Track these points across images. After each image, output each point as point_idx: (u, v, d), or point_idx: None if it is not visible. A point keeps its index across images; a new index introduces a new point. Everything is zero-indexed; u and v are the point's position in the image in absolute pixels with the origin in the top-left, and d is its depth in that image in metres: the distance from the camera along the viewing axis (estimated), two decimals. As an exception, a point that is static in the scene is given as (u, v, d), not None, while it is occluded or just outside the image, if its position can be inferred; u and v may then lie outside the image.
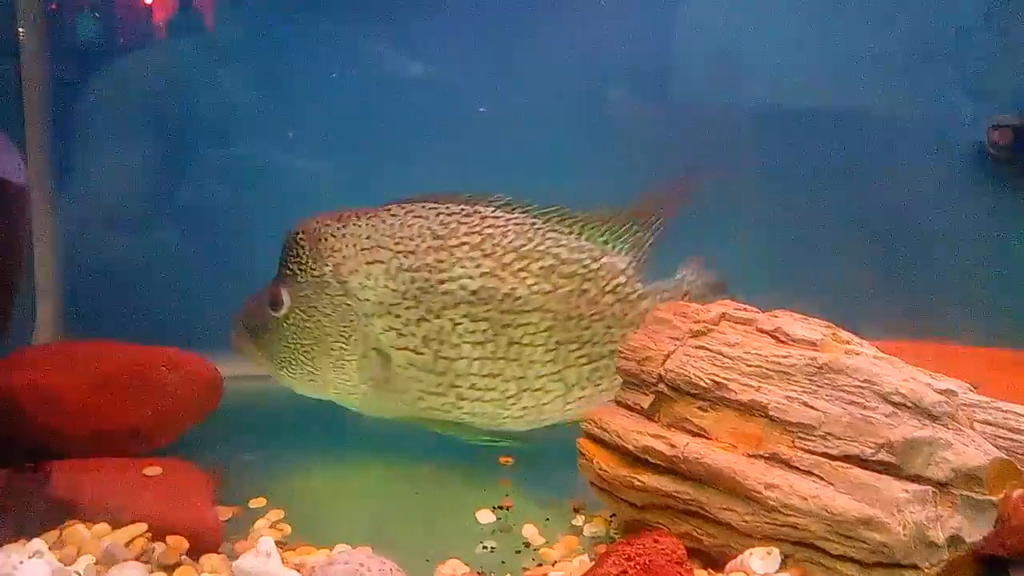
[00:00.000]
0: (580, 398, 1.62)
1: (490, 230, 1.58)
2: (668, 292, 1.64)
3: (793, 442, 1.19)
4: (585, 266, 1.58)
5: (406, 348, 1.59)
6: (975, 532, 1.10)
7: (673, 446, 1.27)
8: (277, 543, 1.27)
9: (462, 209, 1.61)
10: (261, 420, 1.84)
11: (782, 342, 1.29)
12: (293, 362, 1.65)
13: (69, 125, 2.06)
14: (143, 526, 1.26)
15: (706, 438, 1.27)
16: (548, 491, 1.58)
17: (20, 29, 2.01)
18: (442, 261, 1.57)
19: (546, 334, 1.57)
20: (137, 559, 1.21)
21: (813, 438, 1.17)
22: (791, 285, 1.81)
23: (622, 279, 1.58)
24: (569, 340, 1.57)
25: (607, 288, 1.58)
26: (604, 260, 1.58)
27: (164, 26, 2.12)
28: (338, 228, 1.63)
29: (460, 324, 1.57)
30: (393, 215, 1.62)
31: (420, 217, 1.61)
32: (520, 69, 2.08)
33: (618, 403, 1.42)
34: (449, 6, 2.06)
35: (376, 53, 2.09)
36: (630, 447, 1.32)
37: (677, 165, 2.07)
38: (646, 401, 1.36)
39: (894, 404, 1.14)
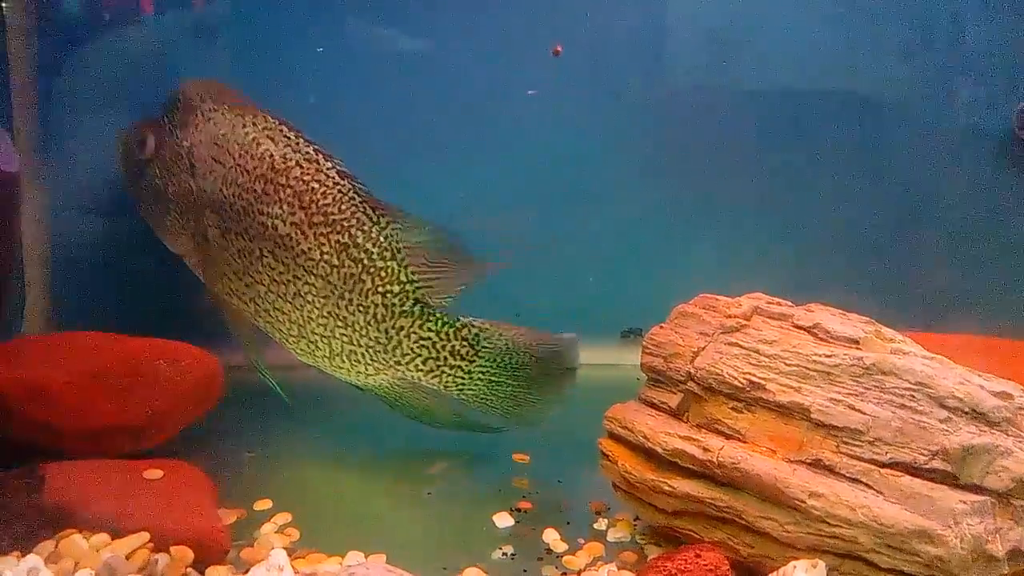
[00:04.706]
0: (342, 368, 1.66)
1: (316, 184, 1.61)
2: (437, 327, 1.60)
3: (838, 447, 1.12)
4: (371, 259, 1.60)
5: (224, 250, 1.66)
6: (1037, 545, 1.03)
7: (707, 450, 1.20)
8: (285, 550, 1.20)
9: (306, 153, 1.62)
10: (264, 414, 1.77)
11: (822, 340, 1.22)
12: (147, 204, 1.74)
13: (58, 109, 1.96)
14: (145, 536, 1.18)
15: (741, 441, 1.20)
16: (566, 492, 1.52)
17: (3, 4, 1.91)
18: (268, 195, 1.60)
19: (322, 301, 1.61)
20: (139, 572, 1.13)
21: (860, 443, 1.10)
22: (812, 279, 1.76)
23: (395, 288, 1.60)
24: (336, 315, 1.61)
25: (379, 288, 1.60)
26: (390, 263, 1.60)
27: (155, 2, 2.02)
28: (209, 109, 1.66)
29: (265, 257, 1.62)
30: (253, 125, 1.64)
31: (271, 140, 1.63)
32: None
33: (642, 400, 1.35)
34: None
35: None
36: (658, 449, 1.26)
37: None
38: (673, 400, 1.29)
39: (949, 409, 1.07)
